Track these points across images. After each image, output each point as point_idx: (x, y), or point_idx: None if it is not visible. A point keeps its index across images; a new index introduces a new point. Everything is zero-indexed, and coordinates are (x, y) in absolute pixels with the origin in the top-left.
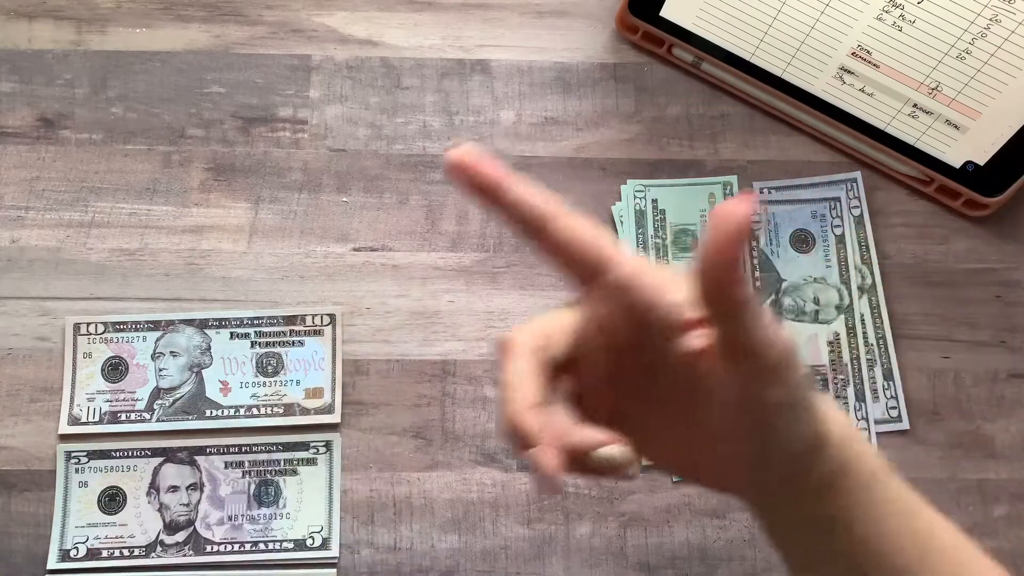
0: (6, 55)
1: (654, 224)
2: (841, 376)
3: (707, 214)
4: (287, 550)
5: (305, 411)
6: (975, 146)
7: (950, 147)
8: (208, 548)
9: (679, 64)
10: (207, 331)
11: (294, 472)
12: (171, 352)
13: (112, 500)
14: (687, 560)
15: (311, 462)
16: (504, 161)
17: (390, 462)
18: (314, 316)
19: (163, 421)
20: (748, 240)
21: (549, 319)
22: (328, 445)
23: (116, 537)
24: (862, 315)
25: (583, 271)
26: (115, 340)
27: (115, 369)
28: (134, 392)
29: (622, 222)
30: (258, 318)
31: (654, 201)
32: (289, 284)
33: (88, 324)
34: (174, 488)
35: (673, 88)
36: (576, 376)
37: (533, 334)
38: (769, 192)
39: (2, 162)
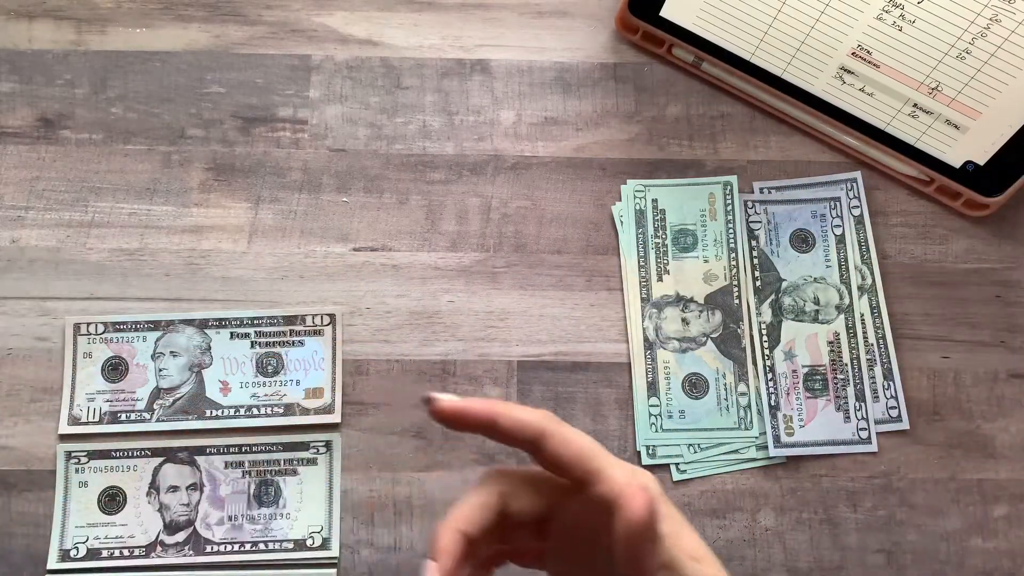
0: (6, 55)
1: (654, 224)
2: (841, 376)
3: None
4: (287, 550)
5: (305, 411)
6: (975, 146)
7: (950, 147)
8: (208, 548)
9: (679, 64)
10: (207, 331)
11: (294, 472)
12: (171, 352)
13: (112, 500)
14: None
15: (311, 462)
16: (504, 160)
17: (390, 462)
18: (314, 316)
19: (163, 421)
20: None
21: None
22: (328, 445)
23: (116, 537)
24: (862, 315)
25: (575, 481)
26: (115, 340)
27: (115, 369)
28: (134, 392)
29: (622, 222)
30: (258, 318)
31: (654, 201)
32: (289, 284)
33: (88, 324)
34: (174, 488)
35: (673, 88)
36: (534, 535)
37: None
38: (769, 192)
39: (2, 162)
